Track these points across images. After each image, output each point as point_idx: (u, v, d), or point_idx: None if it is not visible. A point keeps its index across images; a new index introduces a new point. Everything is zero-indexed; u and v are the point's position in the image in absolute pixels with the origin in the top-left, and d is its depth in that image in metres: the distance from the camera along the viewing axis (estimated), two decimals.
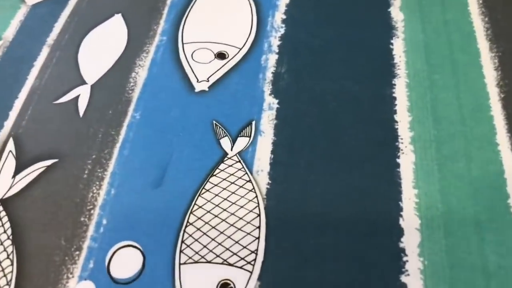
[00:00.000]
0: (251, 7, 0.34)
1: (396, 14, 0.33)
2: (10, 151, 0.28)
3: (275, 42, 0.32)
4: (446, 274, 0.22)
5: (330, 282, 0.22)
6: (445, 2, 0.34)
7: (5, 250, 0.24)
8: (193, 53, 0.32)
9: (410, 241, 0.23)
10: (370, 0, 0.34)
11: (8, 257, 0.24)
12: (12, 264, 0.24)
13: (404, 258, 0.23)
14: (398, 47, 0.31)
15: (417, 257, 0.23)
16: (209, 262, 0.23)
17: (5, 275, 0.23)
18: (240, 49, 0.32)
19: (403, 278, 0.22)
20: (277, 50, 0.32)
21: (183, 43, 0.33)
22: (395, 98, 0.29)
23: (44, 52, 0.33)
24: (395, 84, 0.29)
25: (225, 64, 0.31)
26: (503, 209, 0.24)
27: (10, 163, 0.27)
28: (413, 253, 0.23)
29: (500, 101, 0.28)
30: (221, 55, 0.32)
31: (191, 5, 0.35)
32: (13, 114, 0.30)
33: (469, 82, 0.29)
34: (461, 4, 0.33)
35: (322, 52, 0.31)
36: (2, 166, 0.27)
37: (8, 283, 0.23)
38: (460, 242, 0.23)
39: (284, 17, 0.33)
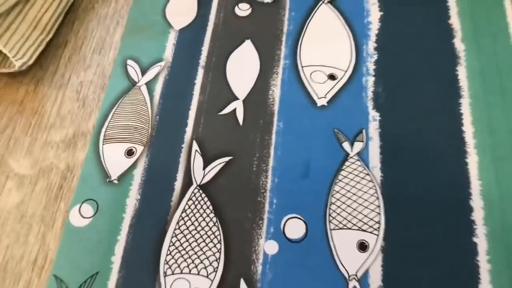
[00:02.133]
0: (349, 35, 0.46)
1: (459, 45, 0.45)
2: (196, 150, 0.40)
3: (371, 66, 0.44)
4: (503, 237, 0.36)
5: (432, 237, 0.36)
6: (495, 34, 0.45)
7: (211, 220, 0.37)
8: (311, 74, 0.44)
9: (477, 216, 0.36)
10: (438, 32, 0.46)
11: (214, 225, 0.37)
12: (218, 229, 0.37)
13: (474, 226, 0.36)
14: (462, 73, 0.43)
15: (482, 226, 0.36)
16: (349, 228, 0.37)
17: (215, 237, 0.37)
18: (345, 71, 0.44)
19: (474, 239, 0.36)
20: (373, 73, 0.44)
21: (302, 66, 0.44)
22: (461, 114, 0.41)
23: (200, 72, 0.44)
24: (461, 103, 0.42)
25: (336, 84, 0.43)
26: None
27: (198, 159, 0.40)
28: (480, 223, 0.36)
29: None
30: (332, 77, 0.44)
31: (302, 33, 0.46)
32: (191, 122, 0.42)
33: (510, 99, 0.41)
34: (504, 36, 0.45)
35: (408, 75, 0.43)
36: (193, 161, 0.40)
37: (219, 242, 0.36)
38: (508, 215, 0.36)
39: (376, 45, 0.45)
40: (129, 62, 0.44)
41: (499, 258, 0.35)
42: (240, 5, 0.48)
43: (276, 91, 0.42)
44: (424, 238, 0.35)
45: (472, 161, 0.39)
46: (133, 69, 0.44)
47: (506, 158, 0.38)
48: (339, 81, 0.43)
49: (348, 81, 0.43)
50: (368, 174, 0.38)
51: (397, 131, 0.40)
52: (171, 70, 0.44)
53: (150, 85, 0.43)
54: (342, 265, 0.35)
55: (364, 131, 0.40)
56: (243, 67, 0.44)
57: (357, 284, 0.34)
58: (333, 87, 0.42)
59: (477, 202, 0.37)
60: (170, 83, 0.43)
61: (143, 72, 0.44)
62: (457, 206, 0.37)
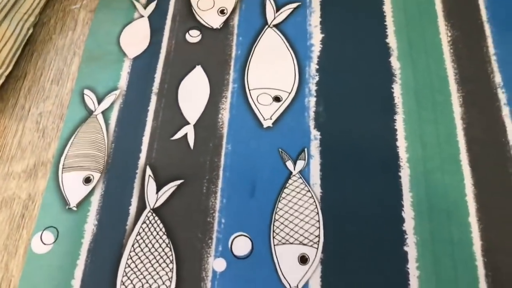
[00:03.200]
0: (292, 58, 0.49)
1: (395, 63, 0.48)
2: (150, 175, 0.43)
3: (312, 87, 0.47)
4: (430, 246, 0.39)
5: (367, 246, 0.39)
6: (429, 50, 0.48)
7: (164, 241, 0.40)
8: (257, 97, 0.47)
9: (408, 226, 0.39)
10: (376, 51, 0.48)
11: (167, 246, 0.40)
12: (171, 250, 0.39)
13: (405, 236, 0.39)
14: (397, 90, 0.46)
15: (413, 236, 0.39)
16: (291, 243, 0.39)
17: (168, 257, 0.39)
18: (289, 93, 0.47)
19: (405, 248, 0.39)
20: (315, 94, 0.47)
21: (249, 89, 0.47)
22: (396, 129, 0.44)
23: (153, 99, 0.47)
24: (396, 119, 0.45)
25: (280, 105, 0.46)
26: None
27: (152, 184, 0.42)
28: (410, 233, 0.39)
29: (463, 130, 0.44)
30: (277, 99, 0.46)
31: (249, 57, 0.49)
32: (144, 148, 0.44)
33: (443, 116, 0.45)
34: (438, 52, 0.48)
35: (347, 95, 0.46)
36: (147, 186, 0.42)
37: (171, 262, 0.39)
38: (436, 224, 0.39)
39: (317, 67, 0.48)
40: (86, 91, 0.47)
41: (427, 264, 0.38)
42: (191, 32, 0.50)
43: (225, 115, 0.45)
44: (359, 249, 0.38)
45: (405, 174, 0.42)
46: (90, 99, 0.46)
47: (436, 171, 0.42)
48: (283, 102, 0.45)
49: (291, 102, 0.46)
50: (309, 191, 0.41)
51: (336, 148, 0.43)
52: (125, 98, 0.46)
53: (106, 113, 0.45)
54: (285, 278, 0.38)
55: (306, 149, 0.43)
56: (194, 92, 0.46)
57: None
58: (278, 108, 0.45)
59: (408, 213, 0.40)
60: (125, 110, 0.45)
61: (99, 101, 0.46)
62: (390, 218, 0.40)
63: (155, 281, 0.37)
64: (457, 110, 0.44)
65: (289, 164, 0.42)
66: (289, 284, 0.37)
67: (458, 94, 0.45)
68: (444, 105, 0.44)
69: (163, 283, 0.37)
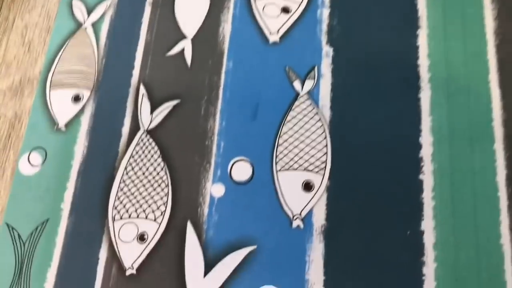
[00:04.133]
0: None
1: None
2: (143, 94, 0.39)
3: None
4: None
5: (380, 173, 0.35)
6: None
7: (159, 165, 0.37)
8: (263, 8, 0.41)
9: (426, 153, 0.35)
10: None
11: (162, 169, 0.36)
12: (166, 174, 0.36)
13: (422, 164, 0.35)
14: (421, 1, 0.40)
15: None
16: (295, 169, 0.36)
17: (163, 181, 0.36)
18: (300, 3, 0.41)
19: (421, 176, 0.35)
20: (328, 4, 0.41)
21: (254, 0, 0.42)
22: (418, 46, 0.39)
23: (147, 9, 0.42)
24: (418, 34, 0.39)
25: (289, 18, 0.41)
26: None
27: (146, 103, 0.39)
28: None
29: (495, 47, 0.38)
30: (285, 10, 0.41)
31: None
32: (137, 65, 0.40)
33: (472, 31, 0.39)
34: None
35: (365, 6, 0.40)
36: (141, 105, 0.38)
37: (166, 186, 0.36)
38: (457, 152, 0.35)
39: None
40: (75, 1, 0.42)
41: (444, 194, 0.34)
42: None
43: (226, 28, 0.40)
44: (370, 176, 0.35)
45: (425, 96, 0.37)
46: (79, 9, 0.41)
47: (460, 93, 0.37)
48: (292, 14, 0.40)
49: (302, 14, 0.40)
50: (317, 114, 0.37)
51: (349, 67, 0.38)
52: (117, 8, 0.41)
53: (96, 25, 0.41)
54: (287, 205, 0.34)
55: (316, 68, 0.38)
56: (192, 1, 0.41)
57: (300, 223, 0.34)
58: (286, 21, 0.40)
59: (426, 138, 0.36)
60: (117, 22, 0.41)
61: (89, 12, 0.41)
62: (405, 143, 0.36)
63: (149, 206, 0.35)
64: (489, 25, 0.38)
65: (297, 84, 0.37)
66: (292, 212, 0.34)
67: (491, 6, 0.39)
68: (474, 18, 0.39)
69: (158, 208, 0.34)
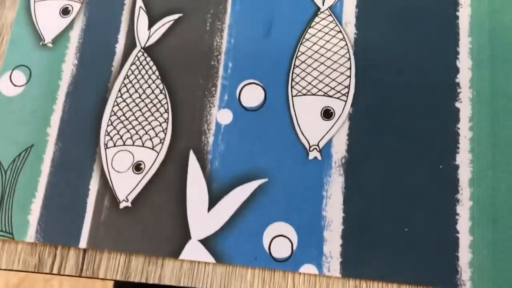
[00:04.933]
0: None
1: None
2: (140, 6, 0.33)
3: None
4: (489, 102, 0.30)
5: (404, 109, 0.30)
6: None
7: (157, 87, 0.31)
8: None
9: (463, 78, 0.30)
10: None
11: (161, 92, 0.31)
12: (165, 97, 0.31)
13: (459, 90, 0.30)
14: None
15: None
16: (314, 94, 0.31)
17: (162, 105, 0.31)
18: None
19: (457, 104, 0.30)
20: None
21: None
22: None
23: None
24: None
25: None
26: None
27: (143, 17, 0.33)
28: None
29: None
30: None
31: None
32: None
33: None
34: None
35: None
36: (137, 20, 0.33)
37: (166, 111, 0.31)
38: (499, 77, 0.30)
39: None
40: None
41: (483, 124, 0.29)
42: None
43: None
44: (398, 104, 0.30)
45: (464, 14, 0.31)
46: None
47: (504, 11, 0.31)
48: None
49: None
50: (340, 32, 0.31)
51: None
52: None
53: None
54: (303, 134, 0.29)
55: None
56: None
57: (318, 154, 0.29)
58: None
59: (464, 62, 0.30)
60: None
61: None
62: (440, 67, 0.31)
63: (146, 132, 0.30)
64: None
65: None
66: (308, 142, 0.29)
67: None
68: None
69: (156, 135, 0.30)
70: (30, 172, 0.30)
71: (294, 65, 0.31)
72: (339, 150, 0.29)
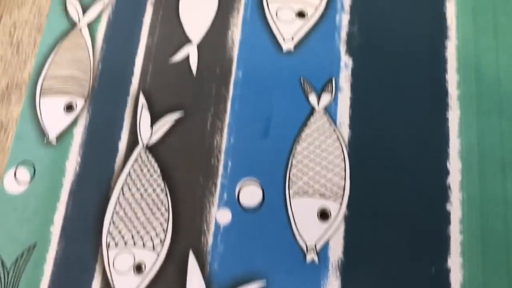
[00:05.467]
0: None
1: None
2: (143, 104, 0.34)
3: (346, 1, 0.36)
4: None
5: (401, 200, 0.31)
6: None
7: (159, 185, 0.32)
8: (276, 11, 0.36)
9: (454, 180, 0.31)
10: None
11: (162, 191, 0.32)
12: (166, 196, 0.32)
13: (449, 192, 0.31)
14: (450, 8, 0.35)
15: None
16: (310, 195, 0.32)
17: (163, 204, 0.32)
18: (317, 7, 0.36)
19: (448, 206, 0.31)
20: (348, 9, 0.36)
21: (267, 2, 0.37)
22: (446, 59, 0.34)
23: (149, 9, 0.37)
24: (447, 46, 0.35)
25: (305, 23, 0.36)
26: None
27: (145, 115, 0.34)
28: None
29: None
30: (301, 14, 0.36)
31: None
32: (137, 71, 0.35)
33: (505, 42, 0.34)
34: None
35: (388, 11, 0.36)
36: (140, 117, 0.34)
37: (167, 210, 0.32)
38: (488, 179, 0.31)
39: None
40: None
41: (473, 228, 0.30)
42: None
43: (236, 32, 0.35)
44: (392, 205, 0.30)
45: (454, 115, 0.33)
46: (73, 6, 0.36)
47: (491, 113, 0.32)
48: (309, 19, 0.35)
49: (319, 20, 0.36)
50: (334, 132, 0.32)
51: (370, 80, 0.34)
52: (116, 6, 0.36)
53: (92, 26, 0.36)
54: (301, 236, 0.30)
55: (333, 80, 0.34)
56: (198, 2, 0.36)
57: (315, 257, 0.30)
58: (302, 27, 0.35)
59: (454, 164, 0.31)
60: (115, 23, 0.36)
61: (84, 10, 0.36)
62: (432, 169, 0.31)
63: (147, 233, 0.30)
64: None
65: (312, 97, 0.33)
66: (305, 243, 0.29)
67: None
68: (507, 29, 0.34)
69: (157, 235, 0.30)
70: (33, 271, 0.30)
71: (291, 165, 0.32)
72: (336, 252, 0.30)
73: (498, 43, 0.34)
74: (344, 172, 0.32)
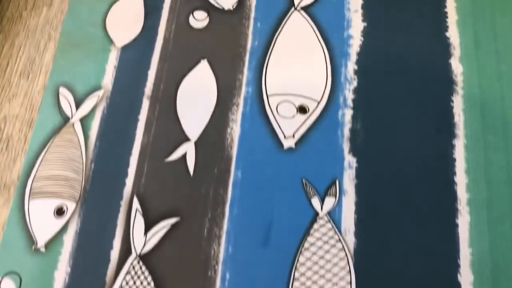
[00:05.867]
0: (324, 54, 0.36)
1: (456, 66, 0.35)
2: (137, 209, 0.32)
3: (349, 95, 0.35)
4: None
5: None
6: (500, 49, 0.36)
7: None
8: (277, 106, 0.35)
9: None
10: (432, 49, 0.36)
11: None
12: None
13: None
14: (458, 104, 0.34)
15: None
16: None
17: None
18: (319, 102, 0.35)
19: None
20: (351, 105, 0.35)
21: (267, 95, 0.35)
22: (454, 159, 0.33)
23: (145, 104, 0.35)
24: (455, 145, 0.33)
25: (307, 119, 0.34)
26: None
27: (139, 221, 0.32)
28: None
29: None
30: (302, 109, 0.35)
31: (269, 51, 0.37)
32: (131, 172, 0.33)
33: None
34: None
35: (393, 108, 0.34)
36: (133, 224, 0.32)
37: None
38: None
39: (356, 67, 0.36)
40: (62, 90, 0.35)
41: None
42: (195, 13, 0.38)
43: (235, 129, 0.34)
44: None
45: (463, 222, 0.31)
46: (66, 100, 0.35)
47: (505, 219, 0.30)
48: (310, 115, 0.34)
49: (321, 115, 0.34)
50: (339, 241, 0.30)
51: (376, 183, 0.32)
52: (110, 101, 0.35)
53: (85, 121, 0.34)
54: None
55: (337, 182, 0.32)
56: (197, 96, 0.35)
57: None
58: (303, 123, 0.34)
59: (466, 276, 0.29)
60: (109, 119, 0.34)
61: (78, 104, 0.35)
62: (442, 281, 0.29)
63: None
64: None
65: (315, 201, 0.31)
66: None
67: None
68: None
69: None
70: None
71: (294, 277, 0.30)
72: None
73: (509, 142, 0.33)
74: (350, 286, 0.30)
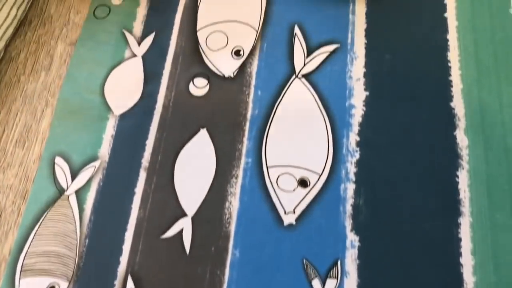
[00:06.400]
0: (326, 125, 0.35)
1: (461, 139, 0.34)
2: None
3: (351, 168, 0.34)
4: None
5: None
6: (505, 121, 0.35)
7: None
8: (277, 178, 0.34)
9: None
10: (437, 121, 0.35)
11: None
12: None
13: None
14: (463, 180, 0.33)
15: None
16: None
17: None
18: (320, 175, 0.34)
19: None
20: (354, 179, 0.33)
21: (267, 167, 0.34)
22: (460, 239, 0.31)
23: (142, 176, 0.34)
24: (460, 223, 0.32)
25: (308, 193, 0.33)
26: None
27: None
28: None
29: None
30: (303, 183, 0.34)
31: (269, 121, 0.36)
32: (126, 249, 0.32)
33: None
34: None
35: (397, 182, 0.33)
36: None
37: None
38: None
39: (358, 139, 0.35)
40: (58, 160, 0.34)
41: None
42: (195, 80, 0.37)
43: (234, 203, 0.32)
44: None
45: (469, 280, 0.29)
46: (62, 171, 0.34)
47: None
48: (311, 189, 0.33)
49: (322, 189, 0.33)
50: None
51: (379, 264, 0.31)
52: (107, 173, 0.34)
53: (80, 194, 0.33)
54: None
55: (339, 262, 0.30)
56: (195, 167, 0.34)
57: None
58: (304, 197, 0.33)
59: None
60: (105, 191, 0.33)
61: (74, 175, 0.34)
62: None
63: None
64: None
65: (316, 283, 0.30)
66: None
67: None
68: None
69: None
70: None
71: None
72: None
73: None
74: None
